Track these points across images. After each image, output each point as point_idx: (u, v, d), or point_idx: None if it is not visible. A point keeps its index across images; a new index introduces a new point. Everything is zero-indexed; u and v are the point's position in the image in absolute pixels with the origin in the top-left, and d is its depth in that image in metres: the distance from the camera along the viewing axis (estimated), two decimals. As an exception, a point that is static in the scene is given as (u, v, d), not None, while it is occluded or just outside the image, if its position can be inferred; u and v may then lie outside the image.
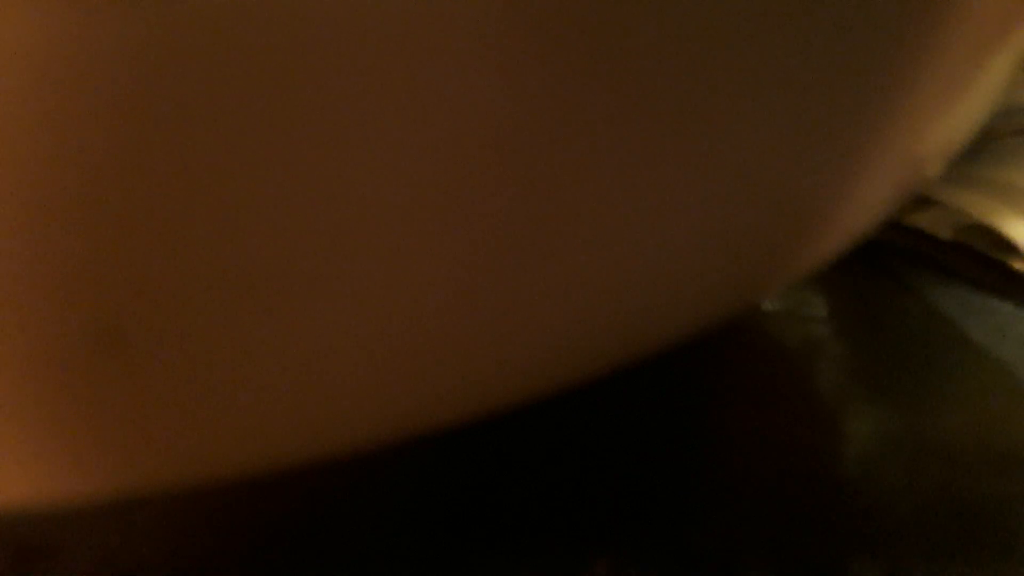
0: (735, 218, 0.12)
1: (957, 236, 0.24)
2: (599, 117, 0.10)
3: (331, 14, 0.09)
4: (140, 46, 0.08)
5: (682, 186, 0.11)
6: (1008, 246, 0.23)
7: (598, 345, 0.12)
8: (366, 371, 0.11)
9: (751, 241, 0.13)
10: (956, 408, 0.19)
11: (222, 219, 0.09)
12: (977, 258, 0.23)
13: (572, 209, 0.11)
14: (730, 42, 0.11)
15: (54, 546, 0.15)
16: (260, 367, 0.10)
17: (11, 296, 0.09)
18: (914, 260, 0.24)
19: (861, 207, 0.14)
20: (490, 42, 0.09)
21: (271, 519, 0.16)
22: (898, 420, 0.19)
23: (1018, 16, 0.14)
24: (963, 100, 0.14)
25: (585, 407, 0.18)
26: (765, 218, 0.13)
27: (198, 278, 0.10)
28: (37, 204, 0.09)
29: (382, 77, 0.09)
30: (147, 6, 0.08)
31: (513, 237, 0.11)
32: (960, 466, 0.17)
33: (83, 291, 0.09)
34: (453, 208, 0.10)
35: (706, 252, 0.12)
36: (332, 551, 0.16)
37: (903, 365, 0.20)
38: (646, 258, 0.12)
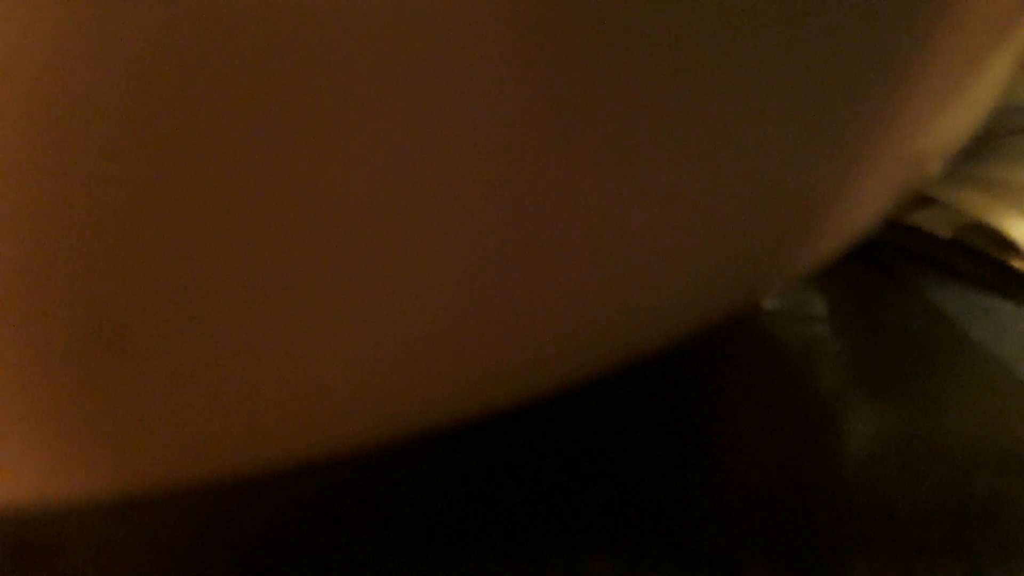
0: (735, 217, 0.12)
1: (957, 235, 0.24)
2: (599, 117, 0.10)
3: (333, 14, 0.09)
4: (142, 45, 0.08)
5: (682, 185, 0.11)
6: (1008, 245, 0.23)
7: (598, 345, 0.12)
8: (367, 371, 0.11)
9: (751, 240, 0.13)
10: (956, 408, 0.19)
11: (224, 217, 0.09)
12: (977, 257, 0.23)
13: (572, 209, 0.11)
14: (730, 42, 0.10)
15: (54, 546, 0.15)
16: (261, 366, 0.10)
17: (12, 293, 0.09)
18: (914, 259, 0.24)
19: (861, 206, 0.14)
20: (492, 42, 0.09)
21: (271, 519, 0.16)
22: (898, 420, 0.19)
23: (1018, 16, 0.14)
24: (963, 100, 0.14)
25: (585, 407, 0.18)
26: (765, 217, 0.13)
27: (200, 276, 0.10)
28: (39, 201, 0.09)
29: (384, 77, 0.09)
30: (148, 6, 0.08)
31: (513, 237, 0.11)
32: (960, 466, 0.17)
33: (84, 289, 0.09)
34: (453, 207, 0.10)
35: (706, 251, 0.12)
36: (331, 551, 0.16)
37: (903, 365, 0.20)
38: (646, 257, 0.12)
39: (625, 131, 0.11)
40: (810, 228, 0.14)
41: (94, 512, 0.15)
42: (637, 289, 0.12)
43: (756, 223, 0.13)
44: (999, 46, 0.14)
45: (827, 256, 0.15)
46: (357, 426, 0.11)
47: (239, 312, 0.10)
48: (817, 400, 0.20)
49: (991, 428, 0.18)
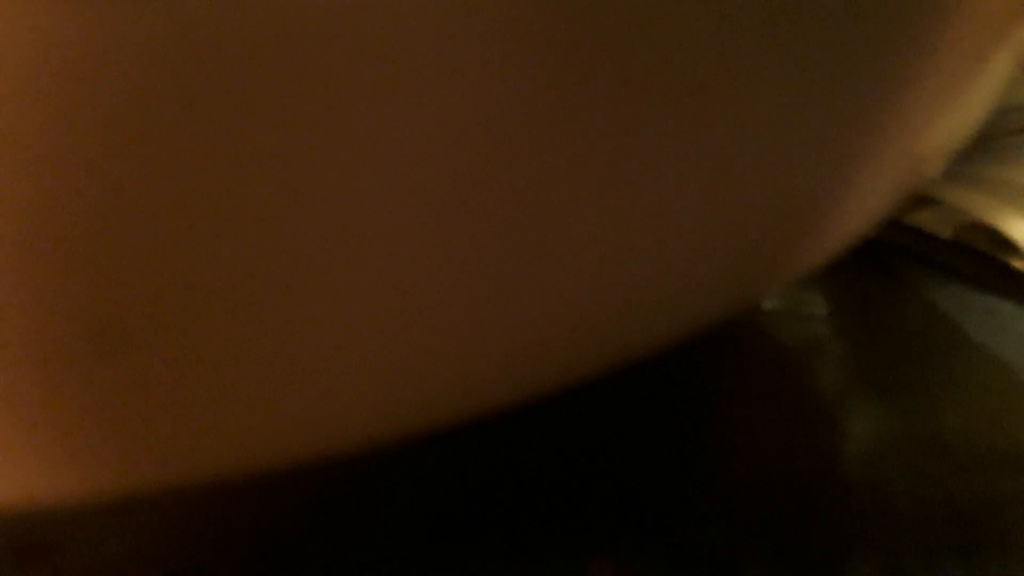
0: (735, 217, 0.12)
1: (957, 235, 0.24)
2: (598, 117, 0.10)
3: (332, 14, 0.09)
4: (142, 45, 0.08)
5: (681, 185, 0.11)
6: (1008, 245, 0.23)
7: (598, 345, 0.12)
8: (366, 371, 0.11)
9: (751, 241, 0.13)
10: (956, 408, 0.19)
11: (223, 218, 0.09)
12: (977, 257, 0.23)
13: (571, 209, 0.11)
14: (730, 41, 0.10)
15: (54, 546, 0.15)
16: (261, 366, 0.10)
17: (12, 294, 0.09)
18: (914, 259, 0.24)
19: (861, 206, 0.14)
20: (490, 42, 0.09)
21: (271, 519, 0.16)
22: (898, 420, 0.19)
23: (1018, 16, 0.14)
24: (963, 99, 0.14)
25: (585, 407, 0.18)
26: (765, 217, 0.13)
27: (200, 277, 0.10)
28: (39, 202, 0.09)
29: (382, 77, 0.09)
30: (148, 6, 0.08)
31: (512, 237, 0.11)
32: (960, 466, 0.17)
33: (84, 289, 0.09)
34: (452, 208, 0.10)
35: (706, 252, 0.12)
36: (332, 551, 0.16)
37: (903, 365, 0.20)
38: (645, 258, 0.12)
39: (625, 132, 0.11)
40: (810, 228, 0.14)
41: (94, 512, 0.15)
42: (637, 289, 0.12)
43: (756, 223, 0.13)
44: (999, 46, 0.14)
45: (827, 256, 0.15)
46: (357, 426, 0.11)
47: (239, 312, 0.10)
48: (817, 400, 0.20)
49: (991, 428, 0.18)
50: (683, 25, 0.10)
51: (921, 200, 0.24)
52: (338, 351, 0.11)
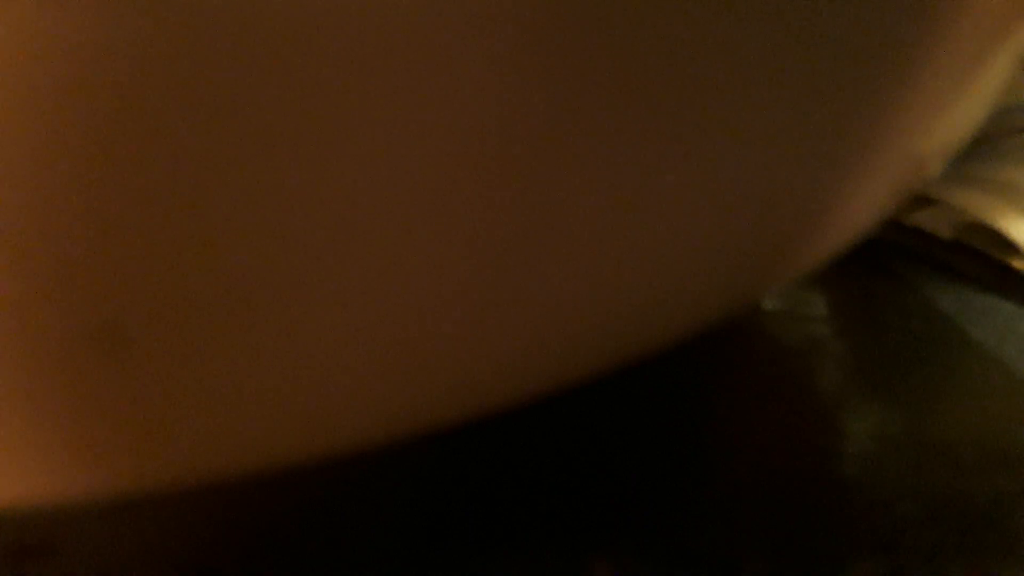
0: (735, 217, 0.12)
1: (957, 235, 0.24)
2: (598, 117, 0.10)
3: (330, 14, 0.09)
4: (141, 45, 0.08)
5: (681, 185, 0.11)
6: (1008, 245, 0.23)
7: (598, 345, 0.12)
8: (366, 371, 0.11)
9: (751, 241, 0.13)
10: (956, 408, 0.19)
11: (223, 218, 0.09)
12: (977, 257, 0.23)
13: (571, 209, 0.11)
14: (731, 42, 0.11)
15: (54, 546, 0.15)
16: (260, 366, 0.10)
17: (11, 294, 0.09)
18: (915, 259, 0.24)
19: (861, 206, 0.14)
20: (488, 42, 0.09)
21: (271, 519, 0.16)
22: (898, 420, 0.19)
23: (1018, 16, 0.14)
24: (963, 100, 0.14)
25: (585, 407, 0.18)
26: (765, 217, 0.13)
27: (199, 277, 0.10)
28: (38, 202, 0.09)
29: (381, 78, 0.09)
30: (147, 6, 0.08)
31: (512, 237, 0.11)
32: (960, 466, 0.17)
33: (84, 289, 0.09)
34: (452, 208, 0.10)
35: (705, 251, 0.12)
36: (331, 551, 0.16)
37: (903, 365, 0.20)
38: (645, 258, 0.12)
39: (625, 133, 0.11)
40: (810, 228, 0.14)
41: (94, 512, 0.15)
42: (637, 290, 0.12)
43: (756, 223, 0.13)
44: (999, 46, 0.14)
45: (827, 256, 0.15)
46: (357, 426, 0.11)
47: (239, 312, 0.10)
48: (817, 400, 0.20)
49: (991, 428, 0.18)
50: (683, 26, 0.10)
51: (921, 200, 0.24)
52: (338, 351, 0.11)
